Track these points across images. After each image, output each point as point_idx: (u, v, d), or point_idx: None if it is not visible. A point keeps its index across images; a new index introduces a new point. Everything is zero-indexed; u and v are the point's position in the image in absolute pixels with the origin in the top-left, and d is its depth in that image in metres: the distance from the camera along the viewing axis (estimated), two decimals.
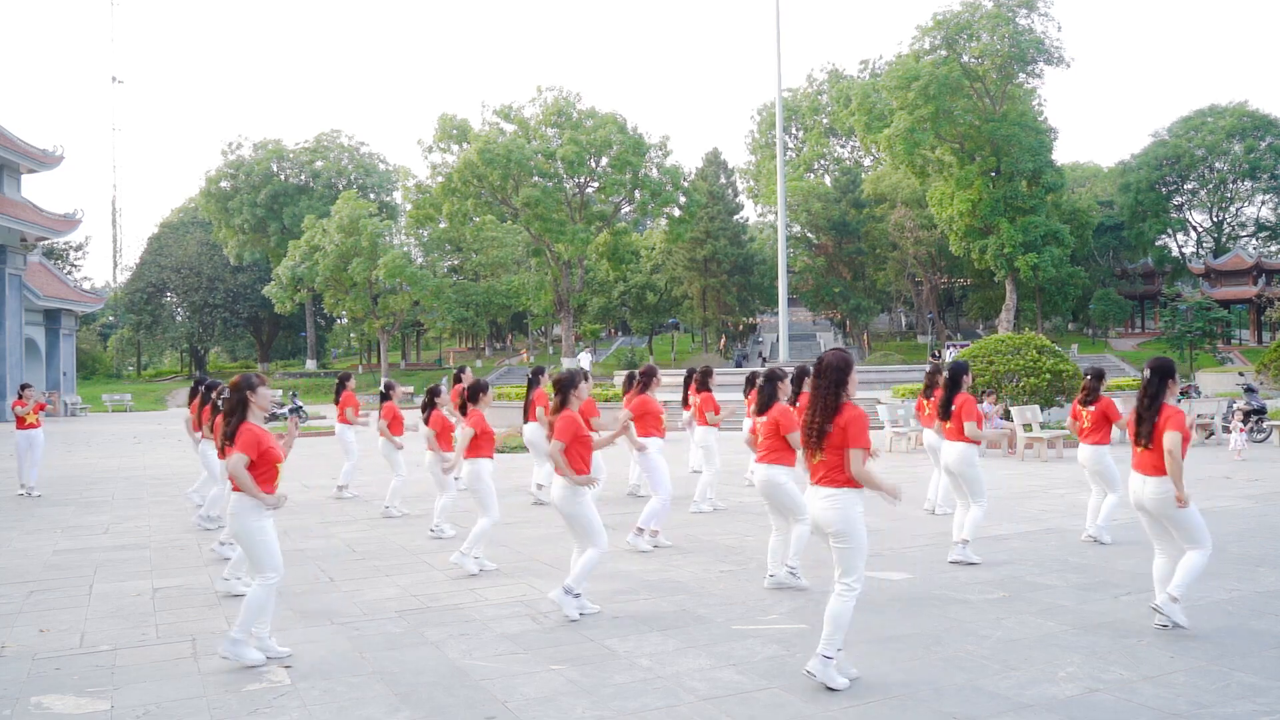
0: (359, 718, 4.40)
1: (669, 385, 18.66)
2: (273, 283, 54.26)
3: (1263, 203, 61.15)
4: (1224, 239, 61.28)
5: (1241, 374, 31.32)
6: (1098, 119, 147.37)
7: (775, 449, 6.65)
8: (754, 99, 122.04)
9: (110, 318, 73.16)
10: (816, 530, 4.86)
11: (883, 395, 23.00)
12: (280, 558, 5.33)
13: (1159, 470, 5.54)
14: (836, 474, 4.72)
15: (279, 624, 5.80)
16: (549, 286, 53.02)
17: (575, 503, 6.05)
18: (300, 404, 33.01)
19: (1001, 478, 13.08)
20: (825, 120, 67.70)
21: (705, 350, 58.13)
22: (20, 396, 13.01)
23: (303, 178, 64.30)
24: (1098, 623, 5.78)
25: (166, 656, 5.43)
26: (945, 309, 63.98)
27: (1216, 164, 58.39)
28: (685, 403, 12.01)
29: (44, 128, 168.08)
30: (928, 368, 12.93)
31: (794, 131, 70.73)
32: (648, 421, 9.10)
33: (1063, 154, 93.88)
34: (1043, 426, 16.65)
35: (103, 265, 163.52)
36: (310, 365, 63.81)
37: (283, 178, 63.57)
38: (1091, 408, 8.26)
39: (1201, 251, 61.34)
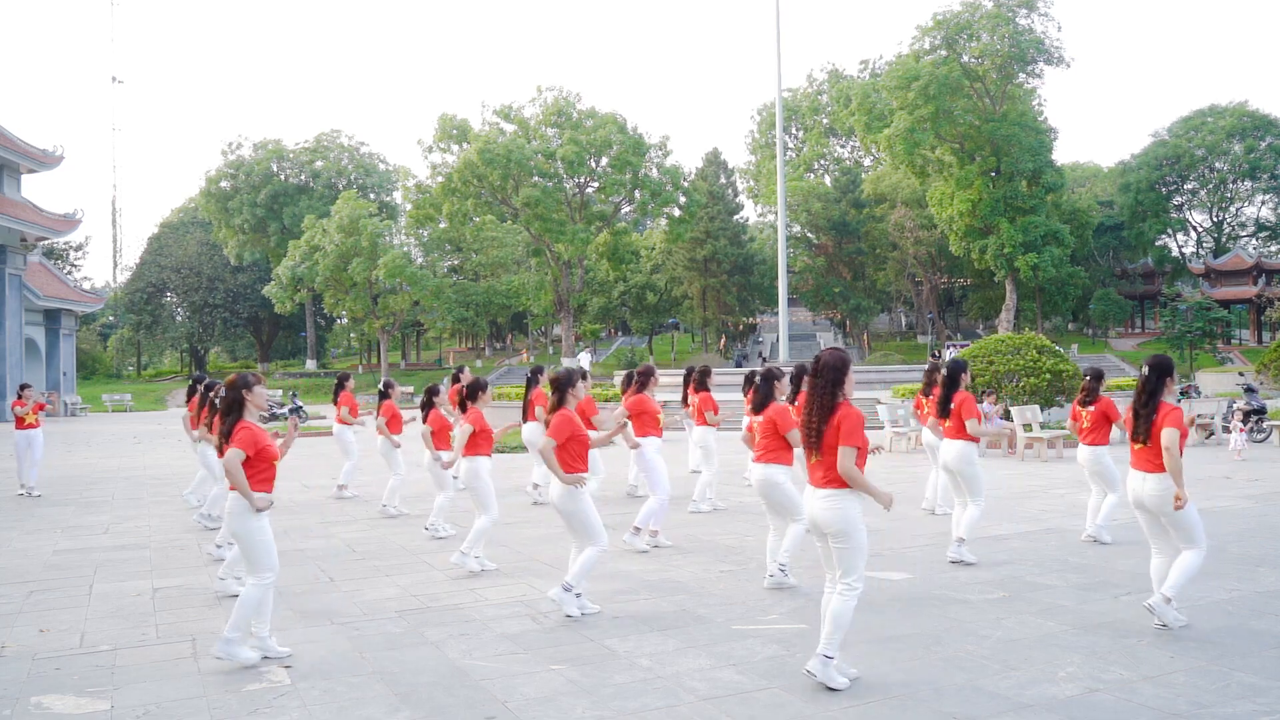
0: (359, 718, 4.40)
1: (668, 385, 18.68)
2: (273, 283, 54.27)
3: (1263, 203, 61.17)
4: (1224, 239, 61.28)
5: (1241, 374, 31.32)
6: (1098, 119, 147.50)
7: (773, 448, 6.64)
8: (754, 99, 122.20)
9: (110, 318, 73.18)
10: (815, 531, 4.85)
11: (883, 395, 23.00)
12: (276, 558, 5.33)
13: (1158, 467, 5.54)
14: (835, 474, 4.71)
15: (279, 624, 5.80)
16: (549, 286, 53.04)
17: (574, 501, 6.04)
18: (300, 404, 33.01)
19: (1001, 478, 13.08)
20: (825, 120, 67.72)
21: (705, 350, 58.14)
22: (20, 396, 13.02)
23: (303, 178, 64.29)
24: (1098, 623, 5.78)
25: (166, 656, 5.43)
26: (945, 309, 63.99)
27: (1216, 164, 58.40)
28: (685, 402, 12.01)
29: (44, 128, 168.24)
30: (926, 366, 12.94)
31: (794, 131, 70.75)
32: (645, 421, 9.11)
33: (1063, 154, 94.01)
34: (1043, 426, 16.66)
35: (103, 265, 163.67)
36: (310, 365, 63.80)
37: (283, 178, 63.57)
38: (1091, 408, 8.26)
39: (1201, 251, 61.34)
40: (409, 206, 52.97)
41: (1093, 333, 61.20)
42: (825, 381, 4.75)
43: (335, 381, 12.41)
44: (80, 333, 56.60)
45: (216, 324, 65.12)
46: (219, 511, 9.28)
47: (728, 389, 18.90)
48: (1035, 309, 52.22)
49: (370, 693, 4.73)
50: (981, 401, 13.15)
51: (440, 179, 48.79)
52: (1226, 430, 17.40)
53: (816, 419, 4.74)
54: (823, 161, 69.90)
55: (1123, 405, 8.11)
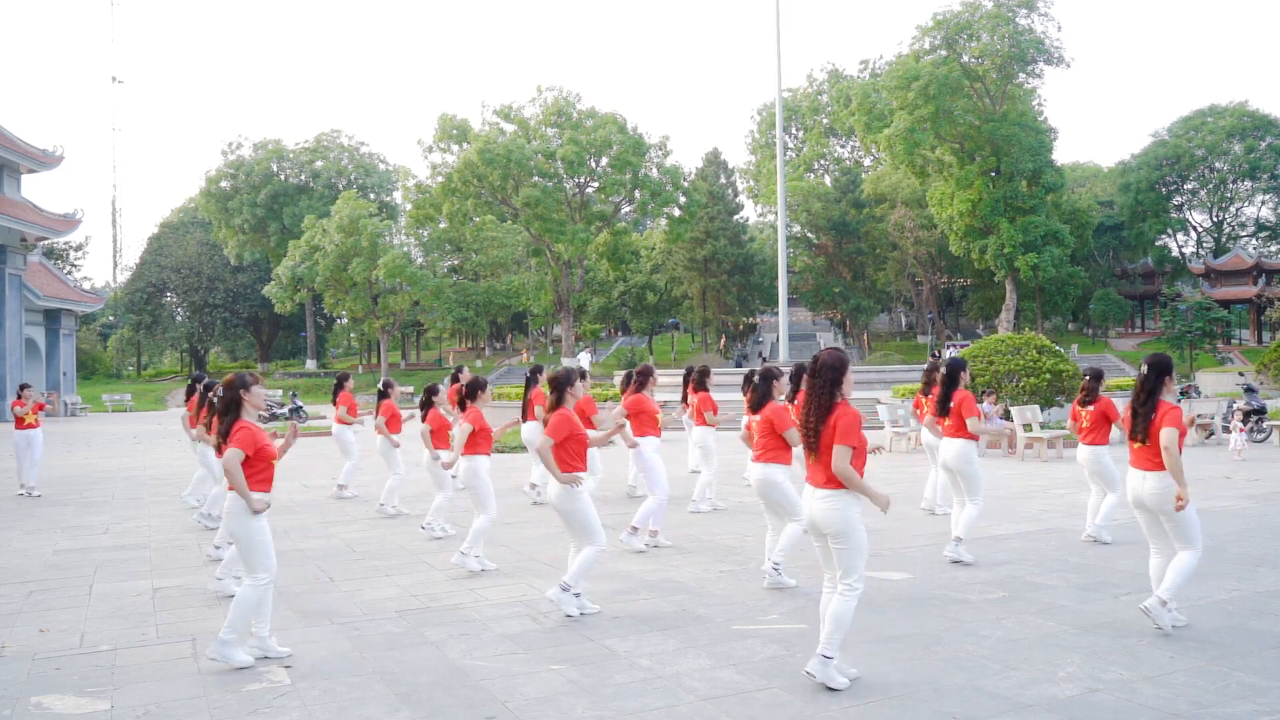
0: (359, 718, 4.40)
1: (668, 385, 18.70)
2: (273, 283, 54.28)
3: (1263, 203, 61.20)
4: (1224, 239, 61.30)
5: (1241, 374, 31.32)
6: (1098, 119, 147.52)
7: (771, 448, 6.64)
8: (754, 99, 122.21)
9: (110, 318, 73.18)
10: (814, 531, 4.84)
11: (882, 395, 23.01)
12: (274, 559, 5.33)
13: (1157, 466, 5.53)
14: (834, 475, 4.71)
15: (279, 624, 5.80)
16: (549, 286, 53.05)
17: (572, 500, 6.04)
18: (300, 404, 33.02)
19: (1001, 478, 13.08)
20: (825, 120, 67.74)
21: (705, 350, 58.15)
22: (20, 396, 13.02)
23: (303, 178, 64.31)
24: (1098, 623, 5.78)
25: (166, 656, 5.43)
26: (945, 309, 64.00)
27: (1216, 164, 58.42)
28: (684, 402, 12.01)
29: (44, 128, 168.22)
30: (926, 366, 12.94)
31: (794, 131, 70.76)
32: (643, 420, 9.11)
33: (1063, 154, 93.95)
34: (1043, 426, 16.66)
35: (103, 265, 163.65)
36: (310, 365, 63.80)
37: (283, 178, 63.58)
38: (1090, 408, 8.26)
39: (1201, 251, 61.36)
40: (409, 206, 52.99)
41: (1093, 333, 61.21)
42: (823, 381, 4.74)
43: (335, 381, 12.42)
44: (80, 333, 56.61)
45: (216, 324, 65.13)
46: (219, 511, 9.28)
47: (728, 389, 18.90)
48: (1035, 309, 52.23)
49: (370, 693, 4.73)
50: (981, 401, 13.15)
51: (440, 179, 48.81)
52: (1226, 430, 17.40)
53: (814, 419, 4.74)
54: (823, 161, 69.93)
55: (1122, 405, 8.12)
